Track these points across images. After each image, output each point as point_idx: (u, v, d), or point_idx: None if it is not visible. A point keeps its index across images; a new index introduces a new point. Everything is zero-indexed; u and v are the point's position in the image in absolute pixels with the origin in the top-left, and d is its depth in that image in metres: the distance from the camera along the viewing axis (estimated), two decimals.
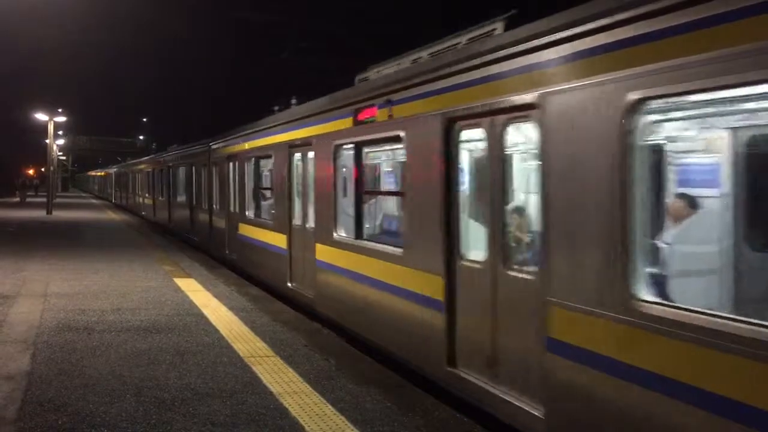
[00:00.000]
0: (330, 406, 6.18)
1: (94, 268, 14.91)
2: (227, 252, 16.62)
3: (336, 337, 9.30)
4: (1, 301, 10.97)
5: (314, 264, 10.32)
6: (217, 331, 9.10)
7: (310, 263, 10.58)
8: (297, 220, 11.51)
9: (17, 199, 53.04)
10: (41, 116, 40.79)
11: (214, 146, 18.71)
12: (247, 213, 14.89)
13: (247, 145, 14.95)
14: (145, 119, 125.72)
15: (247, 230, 14.78)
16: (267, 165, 14.37)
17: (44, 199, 39.92)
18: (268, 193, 14.19)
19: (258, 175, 14.76)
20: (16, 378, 6.89)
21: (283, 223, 11.97)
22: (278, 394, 6.51)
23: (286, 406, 6.17)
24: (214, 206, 18.52)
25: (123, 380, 6.88)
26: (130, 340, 8.53)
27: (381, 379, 7.17)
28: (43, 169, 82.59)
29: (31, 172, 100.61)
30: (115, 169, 61.63)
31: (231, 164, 16.54)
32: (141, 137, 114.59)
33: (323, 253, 9.99)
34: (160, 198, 29.40)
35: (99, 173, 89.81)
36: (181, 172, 24.49)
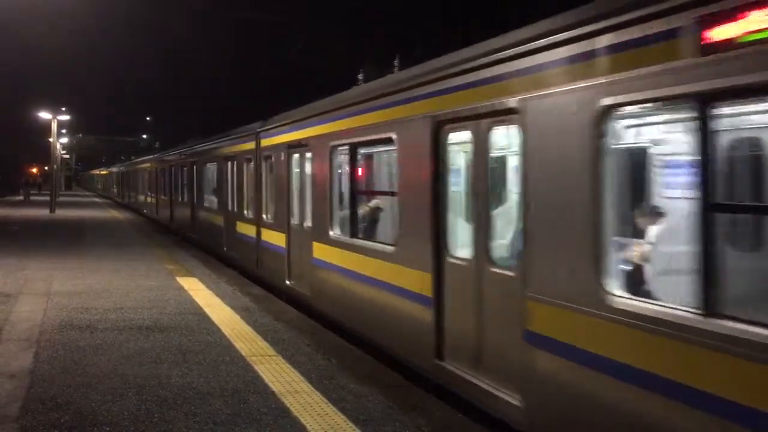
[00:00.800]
0: (331, 406, 6.18)
1: (97, 267, 14.93)
2: (289, 281, 11.96)
3: (338, 336, 9.31)
4: (4, 299, 11.00)
5: (521, 340, 5.46)
6: (219, 330, 9.12)
7: (503, 333, 5.83)
8: (458, 251, 6.76)
9: (21, 198, 53.19)
10: (45, 115, 40.90)
11: (266, 133, 13.64)
12: (330, 230, 9.86)
13: (330, 128, 9.97)
14: (148, 118, 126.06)
15: (331, 255, 9.83)
16: (374, 157, 10.43)
17: (48, 198, 39.99)
18: (376, 202, 9.89)
19: (353, 173, 9.66)
20: (18, 376, 6.92)
21: (421, 252, 7.10)
22: (280, 393, 6.52)
23: (288, 405, 6.19)
24: (265, 216, 13.69)
25: (125, 378, 6.90)
26: (132, 339, 8.55)
27: (382, 379, 7.18)
28: (46, 168, 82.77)
29: (34, 170, 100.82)
30: (121, 168, 58.28)
31: (297, 156, 11.75)
32: (144, 136, 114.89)
33: (551, 322, 5.15)
34: (180, 200, 24.72)
35: (102, 172, 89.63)
36: (211, 169, 19.73)
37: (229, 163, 16.80)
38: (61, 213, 35.64)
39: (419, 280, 7.16)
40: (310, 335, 9.05)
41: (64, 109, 44.53)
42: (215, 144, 19.11)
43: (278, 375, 7.12)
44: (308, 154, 11.12)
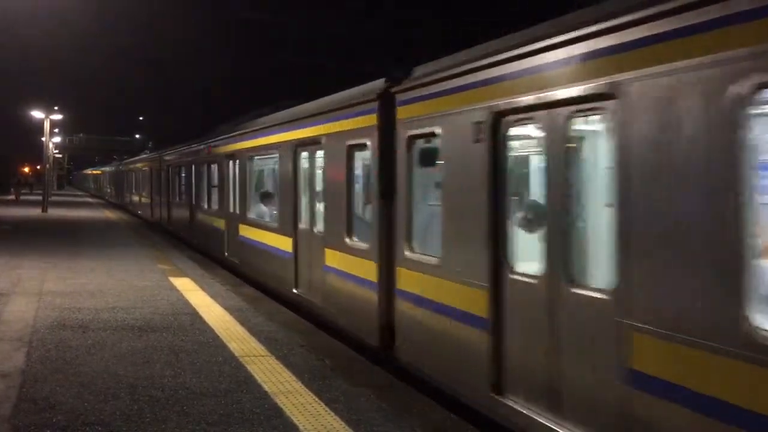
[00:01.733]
0: (324, 406, 6.18)
1: (90, 267, 14.89)
2: (500, 396, 5.86)
3: (331, 337, 9.31)
4: None
5: None
6: (212, 330, 9.11)
7: None
8: None
9: (12, 197, 52.95)
10: (37, 114, 40.77)
11: (415, 93, 7.37)
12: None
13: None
14: (141, 118, 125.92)
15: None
16: None
17: (39, 197, 39.85)
18: None
19: None
20: (11, 376, 6.89)
21: None
22: (272, 393, 6.51)
23: (281, 405, 6.18)
24: (408, 250, 7.57)
25: (117, 378, 6.88)
26: (125, 339, 8.53)
27: (376, 380, 7.19)
28: (38, 167, 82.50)
29: (26, 170, 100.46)
30: (119, 166, 53.53)
31: (540, 131, 5.51)
32: (137, 136, 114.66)
33: None
34: (207, 207, 18.77)
35: (96, 172, 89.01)
36: (263, 165, 14.67)
37: (305, 154, 11.08)
38: (53, 213, 35.52)
39: None
40: (303, 335, 9.04)
41: (56, 108, 44.43)
42: (275, 128, 12.76)
43: (271, 375, 7.11)
44: (611, 122, 4.65)
